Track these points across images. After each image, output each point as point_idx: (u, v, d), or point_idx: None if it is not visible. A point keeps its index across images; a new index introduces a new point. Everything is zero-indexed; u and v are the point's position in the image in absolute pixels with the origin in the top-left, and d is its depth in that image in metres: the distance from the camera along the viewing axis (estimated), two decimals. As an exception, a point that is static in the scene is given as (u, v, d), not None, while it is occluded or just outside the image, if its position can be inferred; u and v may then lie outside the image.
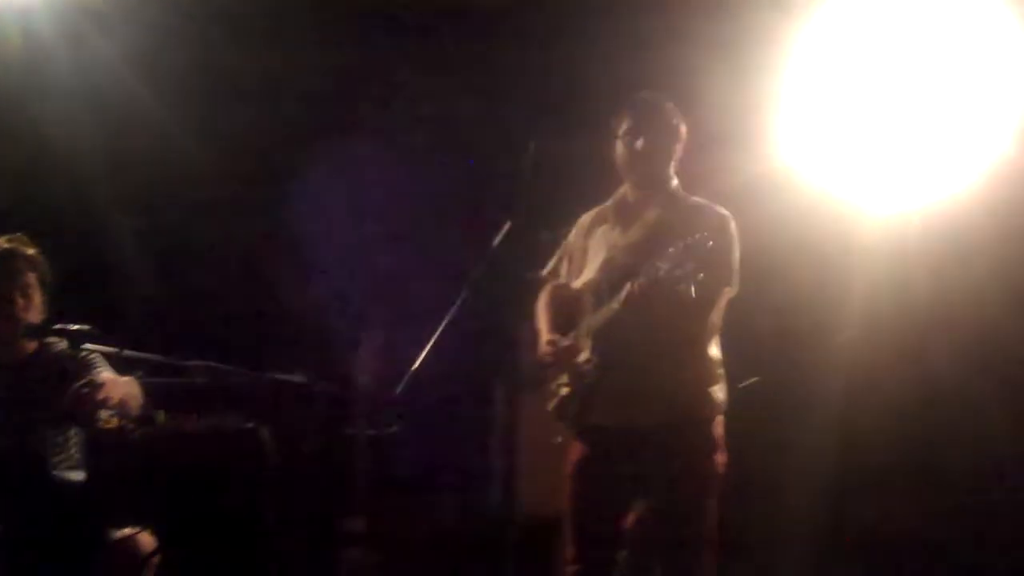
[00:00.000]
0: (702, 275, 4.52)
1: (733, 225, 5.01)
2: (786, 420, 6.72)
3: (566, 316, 5.20)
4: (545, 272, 5.41)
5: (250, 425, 5.25)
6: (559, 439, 5.15)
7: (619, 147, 5.08)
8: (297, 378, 5.48)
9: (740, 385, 6.33)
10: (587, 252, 5.20)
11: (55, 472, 5.33)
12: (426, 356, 5.18)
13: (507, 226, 5.12)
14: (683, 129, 5.14)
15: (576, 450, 5.07)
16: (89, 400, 5.11)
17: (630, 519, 5.00)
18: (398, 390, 5.09)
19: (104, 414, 5.12)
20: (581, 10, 6.85)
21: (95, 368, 5.42)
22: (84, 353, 5.41)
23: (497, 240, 5.10)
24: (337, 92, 7.37)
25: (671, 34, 6.65)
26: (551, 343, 5.11)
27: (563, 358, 5.07)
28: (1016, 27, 6.21)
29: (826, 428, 6.66)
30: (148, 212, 7.36)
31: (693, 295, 4.57)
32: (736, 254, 4.97)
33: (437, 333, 5.03)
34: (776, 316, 6.71)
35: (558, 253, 5.38)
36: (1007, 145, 6.35)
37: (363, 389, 6.24)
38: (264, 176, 7.36)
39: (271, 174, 7.37)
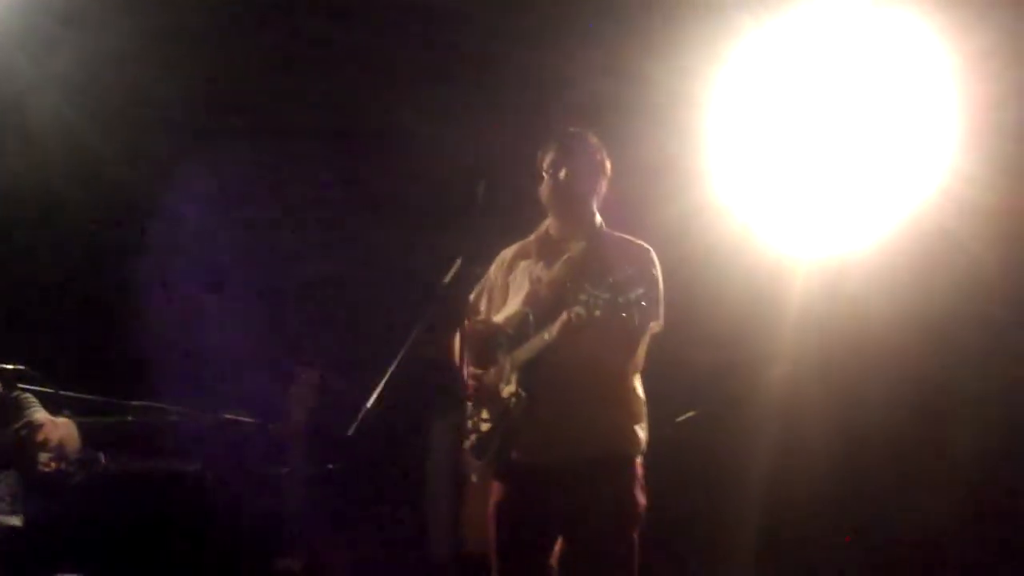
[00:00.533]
0: (644, 303, 4.43)
1: (656, 260, 4.94)
2: (722, 453, 6.73)
3: (483, 352, 5.03)
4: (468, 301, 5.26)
5: (195, 467, 5.08)
6: (473, 477, 5.00)
7: (543, 180, 5.02)
8: (245, 417, 5.33)
9: (678, 419, 6.44)
10: (508, 287, 5.11)
11: (-7, 519, 5.16)
12: (371, 393, 5.03)
13: (458, 262, 5.01)
14: (607, 164, 5.08)
15: (496, 491, 4.94)
16: (28, 442, 4.93)
17: (554, 557, 4.89)
18: (350, 431, 4.94)
19: (43, 456, 4.94)
20: (515, 42, 6.80)
21: (28, 409, 5.26)
22: (16, 394, 5.23)
23: (448, 277, 4.99)
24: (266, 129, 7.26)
25: (603, 70, 6.63)
26: (474, 377, 4.98)
27: (486, 392, 4.95)
28: (942, 65, 6.30)
29: (762, 460, 6.69)
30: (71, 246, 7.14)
31: (636, 323, 4.47)
32: (661, 289, 4.87)
33: (390, 371, 4.89)
34: (708, 348, 6.71)
35: (477, 287, 5.25)
36: (932, 186, 6.44)
37: (297, 426, 6.08)
38: (197, 208, 7.23)
39: (207, 204, 7.23)
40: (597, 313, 4.44)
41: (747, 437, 6.74)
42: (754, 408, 6.76)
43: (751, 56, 6.61)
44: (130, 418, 5.20)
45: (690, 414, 6.49)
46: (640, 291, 4.39)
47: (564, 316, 4.58)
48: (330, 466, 6.34)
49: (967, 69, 6.25)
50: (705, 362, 6.72)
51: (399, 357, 4.93)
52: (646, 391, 4.97)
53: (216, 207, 7.20)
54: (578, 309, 4.50)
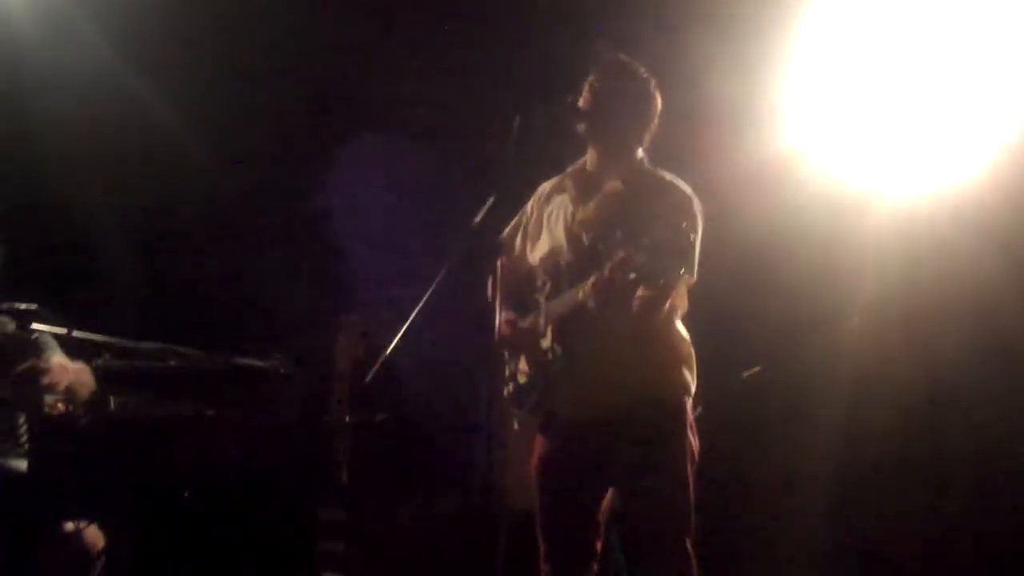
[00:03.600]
0: (682, 269, 4.05)
1: (696, 206, 4.47)
2: (789, 410, 6.26)
3: (519, 292, 4.72)
4: (500, 238, 4.85)
5: (209, 412, 4.68)
6: (516, 425, 4.71)
7: (581, 103, 4.53)
8: (260, 362, 4.90)
9: (744, 374, 5.94)
10: (542, 223, 4.71)
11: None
12: (405, 340, 4.59)
13: (490, 200, 4.53)
14: (656, 99, 4.57)
15: (540, 445, 4.63)
16: (34, 383, 4.56)
17: (603, 510, 4.55)
18: (367, 377, 4.51)
19: (50, 399, 4.59)
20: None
21: (45, 351, 4.96)
22: (35, 335, 4.93)
23: (480, 216, 4.51)
24: (325, 84, 6.92)
25: (679, 17, 6.17)
26: (509, 323, 4.65)
27: (523, 342, 4.62)
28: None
29: (831, 419, 6.21)
30: (118, 193, 6.81)
31: (663, 286, 4.16)
32: (697, 237, 4.39)
33: (413, 315, 4.44)
34: (783, 301, 6.24)
35: (514, 220, 4.87)
36: (1013, 129, 5.93)
37: (342, 374, 5.67)
38: (245, 162, 6.85)
39: (252, 161, 6.87)
40: (632, 276, 4.07)
41: (816, 394, 6.22)
42: (824, 363, 6.23)
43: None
44: (144, 361, 4.78)
45: (756, 369, 5.96)
46: (677, 254, 4.00)
47: (596, 276, 4.19)
48: (381, 416, 5.92)
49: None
50: (779, 314, 6.22)
51: (422, 301, 4.47)
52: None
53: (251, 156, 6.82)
54: (614, 271, 4.10)
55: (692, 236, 4.28)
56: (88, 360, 4.93)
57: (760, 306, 6.17)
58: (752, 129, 6.15)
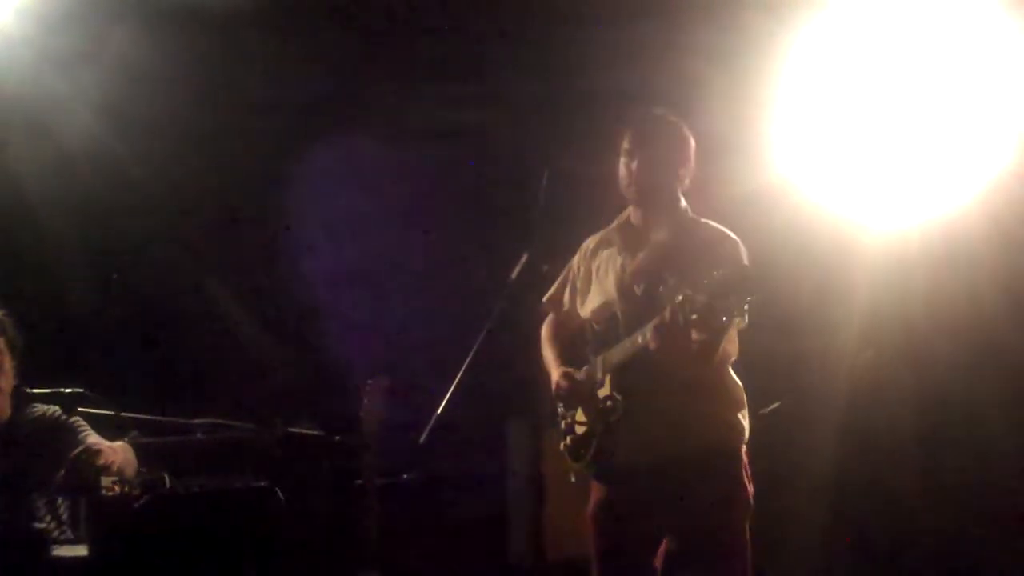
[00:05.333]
0: (745, 308, 4.04)
1: (743, 250, 4.48)
2: (804, 444, 6.23)
3: (571, 347, 4.72)
4: (546, 299, 4.90)
5: (262, 483, 4.62)
6: (572, 478, 4.67)
7: (621, 165, 4.54)
8: (311, 430, 4.85)
9: (761, 412, 5.94)
10: (591, 277, 4.70)
11: (54, 547, 4.76)
12: (452, 398, 4.61)
13: (524, 258, 4.55)
14: (691, 146, 4.59)
15: (597, 490, 4.59)
16: (89, 466, 4.49)
17: (660, 559, 4.47)
18: (422, 438, 4.48)
19: (106, 481, 4.50)
20: (576, 22, 6.33)
21: (81, 433, 4.90)
22: (68, 418, 4.89)
23: (515, 273, 4.52)
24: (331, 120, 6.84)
25: (668, 45, 6.18)
26: (566, 376, 4.61)
27: (579, 392, 4.58)
28: (1014, 39, 5.83)
29: (841, 447, 6.22)
30: (125, 265, 6.77)
31: (723, 323, 4.11)
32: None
33: (460, 374, 4.43)
34: (786, 336, 6.20)
35: (560, 278, 4.86)
36: (1006, 157, 5.95)
37: (371, 437, 5.61)
38: (259, 222, 6.85)
39: (264, 219, 6.88)
40: (694, 317, 4.06)
41: (831, 428, 6.23)
42: (838, 397, 6.24)
43: (823, 30, 6.10)
44: (195, 436, 4.73)
45: (774, 406, 5.97)
46: (739, 293, 4.00)
47: (659, 319, 4.17)
48: (405, 476, 5.87)
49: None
50: (784, 350, 6.21)
51: (468, 359, 4.46)
52: None
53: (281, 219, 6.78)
54: (675, 309, 4.09)
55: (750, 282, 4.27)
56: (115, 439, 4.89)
57: (767, 341, 6.19)
58: (739, 159, 6.11)
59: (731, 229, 4.52)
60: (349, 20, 6.54)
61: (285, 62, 6.55)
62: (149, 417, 4.79)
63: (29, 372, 5.03)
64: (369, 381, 5.63)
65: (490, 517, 6.22)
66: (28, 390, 4.91)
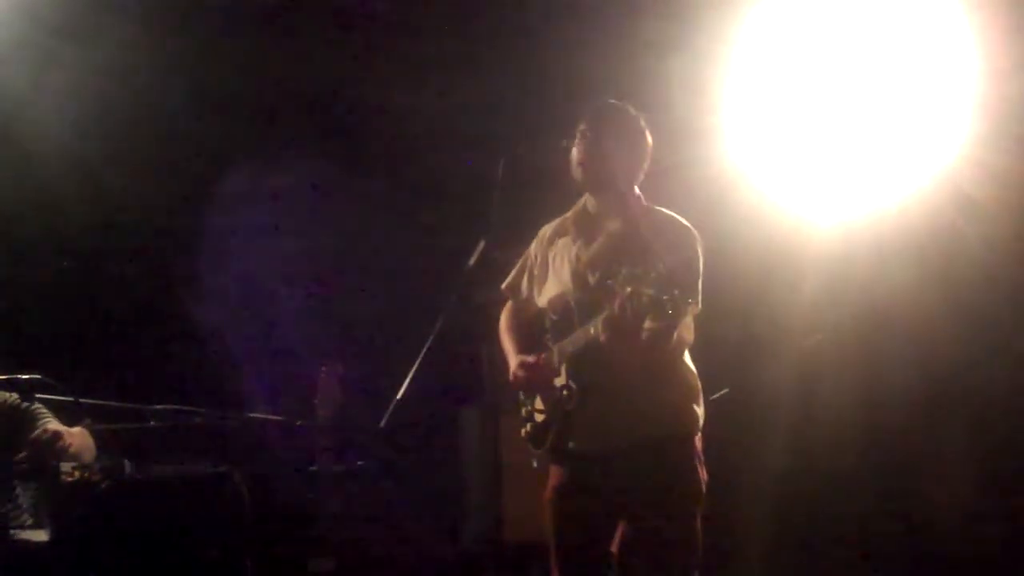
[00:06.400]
0: (689, 300, 4.10)
1: (697, 238, 4.52)
2: (754, 429, 6.32)
3: (529, 335, 4.72)
4: (504, 286, 4.91)
5: (222, 469, 4.62)
6: (534, 464, 4.68)
7: (573, 149, 4.58)
8: (269, 416, 4.86)
9: (711, 398, 5.99)
10: (548, 265, 4.73)
11: (13, 531, 4.73)
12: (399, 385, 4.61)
13: (481, 245, 4.57)
14: (647, 138, 4.63)
15: (555, 475, 4.62)
16: (49, 452, 4.46)
17: (616, 543, 4.51)
18: (382, 423, 4.50)
19: (66, 466, 4.48)
20: (530, 14, 6.41)
21: (41, 420, 4.88)
22: (27, 404, 4.87)
23: (472, 260, 4.55)
24: (292, 106, 6.87)
25: (620, 37, 6.24)
26: (523, 366, 4.65)
27: (537, 381, 4.62)
28: (959, 29, 5.90)
29: (790, 434, 6.30)
30: (82, 253, 6.76)
31: (680, 313, 4.15)
32: (700, 268, 4.47)
33: (419, 360, 4.46)
34: (734, 323, 6.28)
35: (517, 266, 4.89)
36: (950, 150, 6.03)
37: (325, 423, 5.62)
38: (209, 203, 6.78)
39: (218, 202, 6.79)
40: (643, 308, 4.08)
41: (779, 412, 6.30)
42: (784, 382, 6.32)
43: (772, 20, 6.19)
44: (153, 422, 4.71)
45: (723, 392, 6.03)
46: (685, 285, 4.06)
47: (608, 311, 4.21)
48: (359, 463, 5.88)
49: (989, 33, 5.81)
50: (732, 337, 6.27)
51: (425, 346, 4.48)
52: None
53: (236, 206, 6.75)
54: (624, 304, 4.12)
55: (696, 267, 4.39)
56: (71, 425, 4.87)
57: (716, 328, 6.25)
58: (690, 148, 6.17)
59: (684, 217, 4.57)
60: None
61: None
62: (107, 403, 4.76)
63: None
64: (323, 368, 5.66)
65: (445, 503, 6.24)
66: None
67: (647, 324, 4.25)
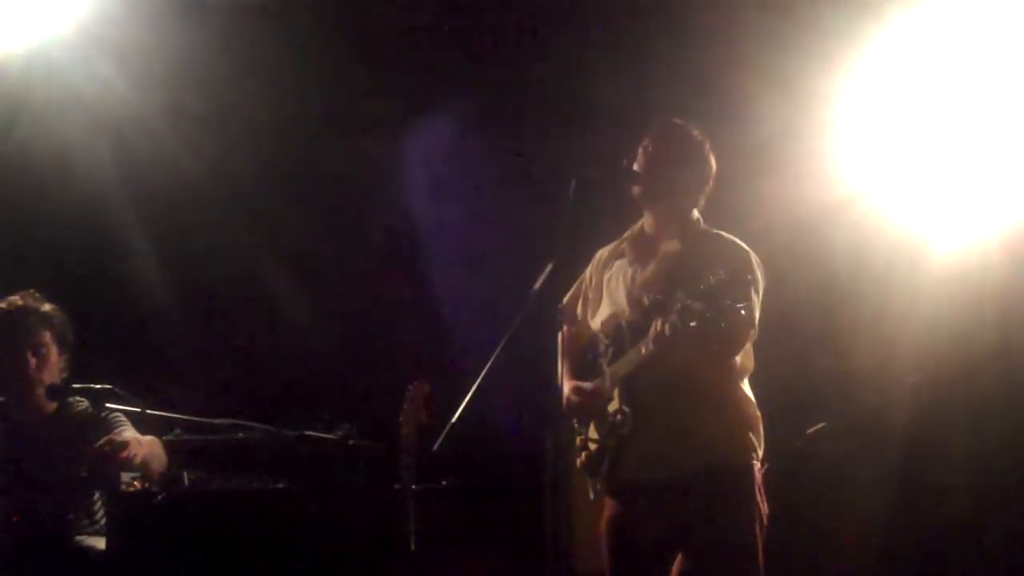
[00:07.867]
0: (742, 311, 3.94)
1: (756, 261, 4.38)
2: (850, 466, 6.07)
3: (583, 359, 4.61)
4: (561, 307, 4.73)
5: (281, 485, 4.61)
6: (592, 495, 4.56)
7: (635, 167, 4.47)
8: (330, 435, 4.83)
9: (808, 431, 5.79)
10: (603, 288, 4.63)
11: (77, 537, 4.83)
12: (469, 406, 4.52)
13: (549, 267, 4.46)
14: (710, 160, 4.49)
15: (609, 505, 4.51)
16: (110, 460, 4.52)
17: (672, 573, 4.34)
18: (435, 446, 4.43)
19: (126, 477, 4.53)
20: (633, 39, 6.29)
21: (117, 428, 4.93)
22: (106, 413, 4.92)
23: (539, 282, 4.45)
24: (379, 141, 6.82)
25: (728, 64, 6.07)
26: (577, 391, 4.54)
27: (590, 408, 4.50)
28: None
29: (892, 474, 6.05)
30: (175, 263, 6.82)
31: (732, 332, 4.03)
32: (758, 292, 4.31)
33: (476, 383, 4.39)
34: (838, 354, 6.11)
35: (573, 289, 4.79)
36: None
37: (407, 442, 5.57)
38: (298, 223, 6.83)
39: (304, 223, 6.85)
40: (692, 324, 3.95)
41: (880, 451, 6.05)
42: (887, 420, 6.05)
43: (884, 42, 5.96)
44: (215, 436, 4.73)
45: (820, 425, 5.81)
46: (736, 298, 3.91)
47: (656, 328, 4.10)
48: (444, 482, 5.82)
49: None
50: (835, 369, 6.10)
51: (485, 369, 4.44)
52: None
53: (319, 221, 6.79)
54: (673, 319, 4.02)
55: (751, 287, 4.22)
56: (158, 436, 4.92)
57: (817, 359, 6.07)
58: (804, 175, 6.01)
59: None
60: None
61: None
62: (173, 415, 4.80)
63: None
64: (410, 386, 5.62)
65: (526, 528, 6.13)
66: (69, 385, 4.98)
67: (704, 346, 4.09)
